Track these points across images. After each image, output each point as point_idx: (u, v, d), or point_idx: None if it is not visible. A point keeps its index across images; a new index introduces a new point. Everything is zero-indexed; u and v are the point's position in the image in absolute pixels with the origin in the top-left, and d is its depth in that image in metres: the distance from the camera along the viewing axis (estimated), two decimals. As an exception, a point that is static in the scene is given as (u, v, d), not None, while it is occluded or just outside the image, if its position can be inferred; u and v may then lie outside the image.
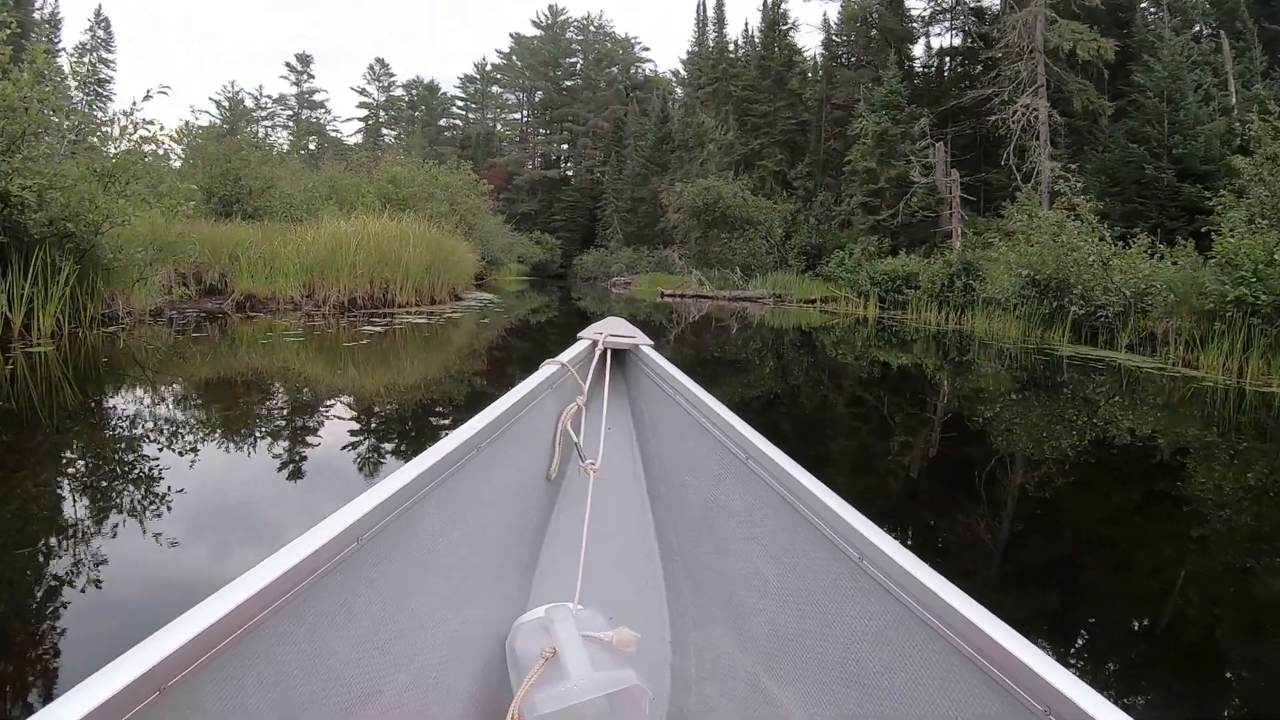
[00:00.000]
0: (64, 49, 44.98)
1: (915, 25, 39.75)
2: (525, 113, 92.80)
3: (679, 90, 70.15)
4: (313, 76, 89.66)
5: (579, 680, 1.52)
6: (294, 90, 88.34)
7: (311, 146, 79.50)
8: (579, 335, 2.59)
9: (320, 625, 1.30)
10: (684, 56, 69.77)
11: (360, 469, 4.91)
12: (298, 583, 1.22)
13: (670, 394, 2.35)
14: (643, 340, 2.59)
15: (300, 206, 20.58)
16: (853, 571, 1.51)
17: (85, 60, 55.43)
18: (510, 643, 1.78)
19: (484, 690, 1.73)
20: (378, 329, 12.70)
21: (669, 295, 31.21)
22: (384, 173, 27.73)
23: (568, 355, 2.41)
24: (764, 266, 32.02)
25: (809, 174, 38.34)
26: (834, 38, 42.90)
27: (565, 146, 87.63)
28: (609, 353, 2.56)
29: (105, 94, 55.86)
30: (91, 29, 57.36)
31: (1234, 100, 26.63)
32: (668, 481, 2.34)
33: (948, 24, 39.07)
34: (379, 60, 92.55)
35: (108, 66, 57.19)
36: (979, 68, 35.39)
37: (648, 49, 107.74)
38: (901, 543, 1.43)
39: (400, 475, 1.54)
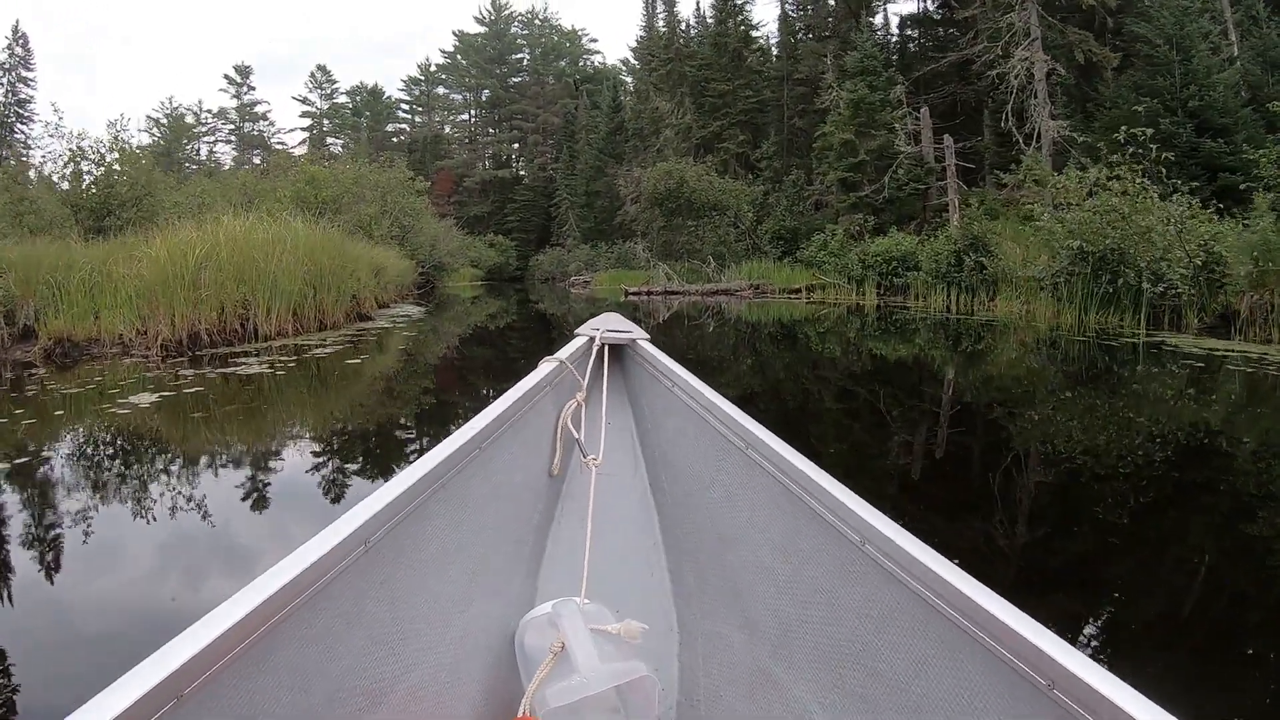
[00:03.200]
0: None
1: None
2: (473, 112, 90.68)
3: (629, 80, 68.33)
4: (253, 88, 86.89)
5: (588, 673, 1.53)
6: (234, 103, 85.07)
7: (257, 160, 76.39)
8: (576, 331, 2.56)
9: (332, 628, 1.29)
10: (633, 45, 67.49)
11: None
12: (308, 587, 1.21)
13: (669, 387, 2.34)
14: (640, 335, 2.58)
15: (194, 216, 16.08)
16: (856, 556, 1.51)
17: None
18: (519, 639, 1.78)
19: (495, 687, 1.72)
20: (172, 390, 7.54)
21: (634, 293, 27.63)
22: (301, 173, 24.20)
23: (565, 352, 2.39)
24: (736, 255, 28.84)
25: (775, 153, 35.50)
26: (789, 11, 40.61)
27: (516, 145, 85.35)
28: (606, 348, 2.54)
29: (25, 114, 53.31)
30: (10, 46, 54.29)
31: (1235, 50, 24.42)
32: (669, 474, 2.32)
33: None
34: (320, 67, 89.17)
35: (28, 85, 55.04)
36: (949, 30, 33.39)
37: (595, 40, 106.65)
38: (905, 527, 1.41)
39: (404, 478, 1.53)
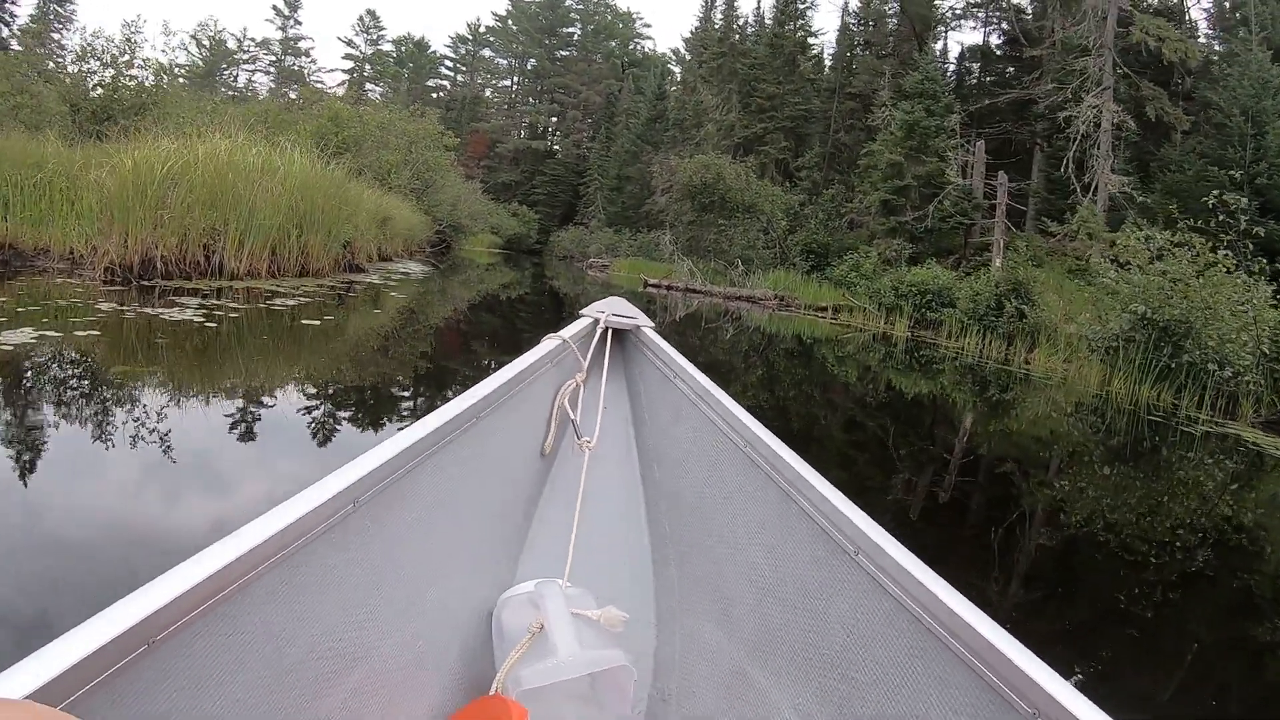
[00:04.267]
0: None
1: (946, 15, 36.47)
2: (516, 79, 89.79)
3: (676, 70, 67.15)
4: (299, 23, 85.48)
5: (566, 657, 1.51)
6: (279, 35, 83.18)
7: (293, 95, 75.64)
8: (581, 312, 2.55)
9: (310, 587, 1.26)
10: (686, 35, 66.52)
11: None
12: (290, 543, 1.19)
13: (669, 376, 2.33)
14: (644, 322, 2.57)
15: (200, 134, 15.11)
16: (847, 565, 1.48)
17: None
18: (497, 615, 1.76)
19: (469, 661, 1.69)
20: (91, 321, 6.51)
21: (654, 285, 26.51)
22: (326, 109, 23.14)
23: (569, 331, 2.37)
24: (763, 262, 27.65)
25: (816, 165, 34.51)
26: (851, 24, 39.62)
27: (554, 119, 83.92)
28: (610, 332, 2.54)
29: (65, 14, 52.29)
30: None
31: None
32: (662, 464, 2.30)
33: (981, 19, 36.19)
34: (369, 11, 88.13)
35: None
36: (1010, 69, 32.51)
37: (649, 26, 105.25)
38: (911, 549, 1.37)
39: (397, 441, 1.49)
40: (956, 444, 7.64)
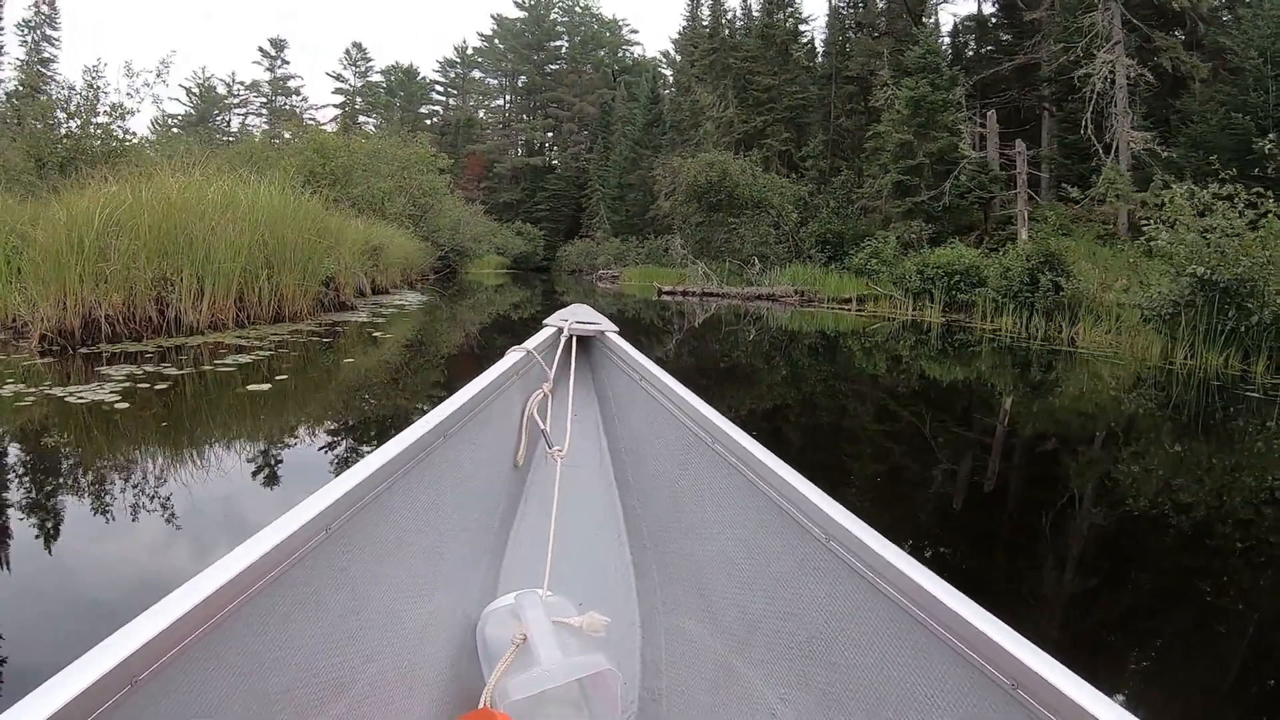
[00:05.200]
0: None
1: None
2: (508, 98, 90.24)
3: (668, 74, 66.55)
4: (287, 62, 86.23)
5: (550, 665, 1.50)
6: (268, 76, 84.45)
7: (287, 135, 75.67)
8: (544, 322, 2.56)
9: (291, 615, 1.26)
10: (675, 37, 65.79)
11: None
12: (267, 572, 1.18)
13: (636, 380, 2.33)
14: (609, 327, 2.56)
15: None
16: (819, 552, 1.51)
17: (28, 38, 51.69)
18: (480, 630, 1.75)
19: (455, 678, 1.70)
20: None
21: (669, 293, 25.59)
22: (311, 140, 22.43)
23: (533, 342, 2.38)
24: (779, 257, 26.66)
25: (821, 153, 33.64)
26: (840, 8, 38.77)
27: (549, 134, 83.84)
28: (574, 340, 2.53)
29: (48, 73, 52.17)
30: (35, 4, 52.99)
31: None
32: (635, 467, 2.30)
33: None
34: (355, 44, 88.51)
35: (52, 45, 53.81)
36: (1007, 36, 31.60)
37: (635, 31, 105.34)
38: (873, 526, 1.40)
39: (367, 464, 1.49)
40: (1003, 429, 6.98)
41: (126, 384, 6.26)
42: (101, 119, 15.16)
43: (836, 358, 12.19)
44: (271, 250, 10.62)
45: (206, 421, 5.75)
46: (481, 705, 1.47)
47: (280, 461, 4.88)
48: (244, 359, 7.87)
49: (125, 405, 5.60)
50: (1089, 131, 22.36)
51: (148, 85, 16.35)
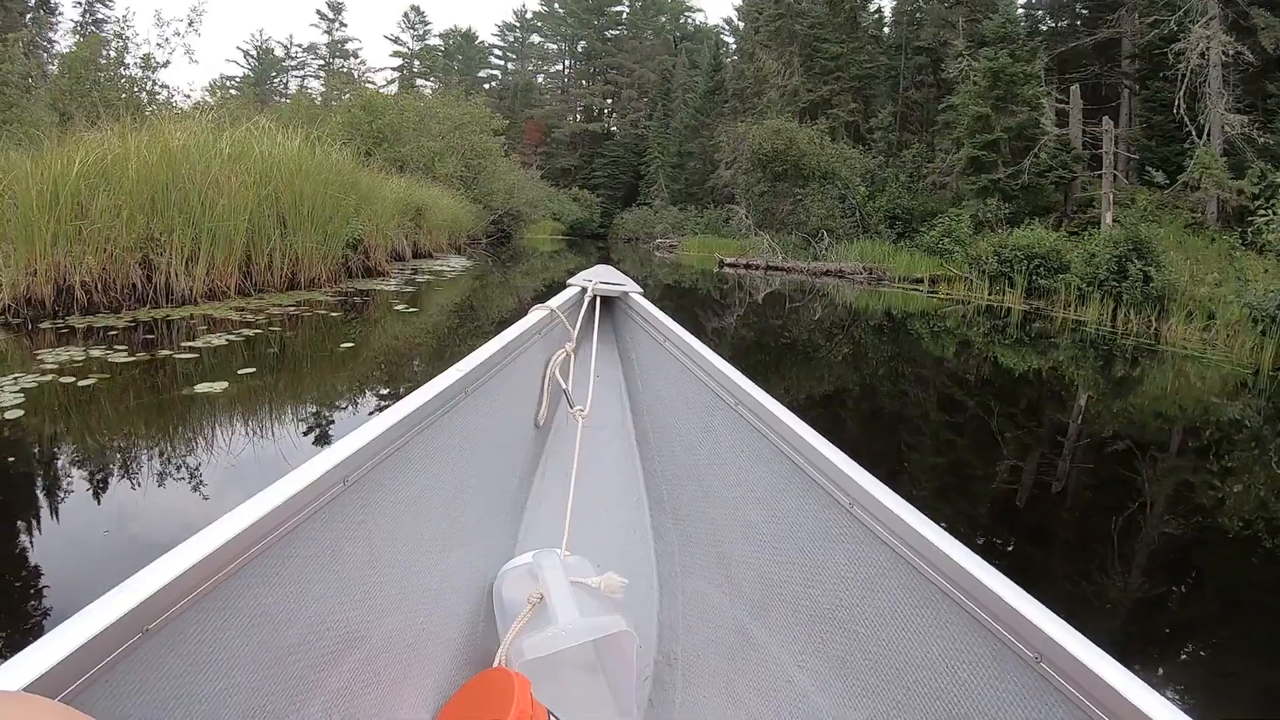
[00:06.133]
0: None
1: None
2: (567, 63, 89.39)
3: (731, 42, 65.65)
4: (345, 25, 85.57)
5: (567, 625, 1.49)
6: (325, 39, 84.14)
7: (346, 98, 75.89)
8: (568, 281, 2.50)
9: (306, 568, 1.25)
10: (738, 4, 64.44)
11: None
12: (283, 523, 1.17)
13: (660, 341, 2.30)
14: (633, 288, 2.51)
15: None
16: (843, 517, 1.48)
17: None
18: (497, 588, 1.74)
19: (471, 635, 1.69)
20: None
21: (730, 264, 24.89)
22: (357, 97, 21.92)
23: (557, 301, 2.35)
24: (846, 231, 25.64)
25: (890, 125, 32.59)
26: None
27: (608, 100, 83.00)
28: (598, 300, 2.48)
29: (102, 35, 51.90)
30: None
31: None
32: (656, 429, 2.28)
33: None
34: (414, 7, 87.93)
35: (105, 5, 53.28)
36: (1084, 8, 30.27)
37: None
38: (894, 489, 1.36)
39: (387, 416, 1.47)
40: (1087, 431, 6.27)
41: (53, 374, 5.08)
42: (133, 71, 14.78)
43: (906, 341, 11.52)
44: (286, 207, 9.59)
45: (90, 456, 4.01)
46: (496, 663, 1.49)
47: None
48: (219, 340, 6.59)
49: (18, 414, 4.33)
50: (1180, 111, 21.14)
51: (178, 34, 15.71)
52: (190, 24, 15.53)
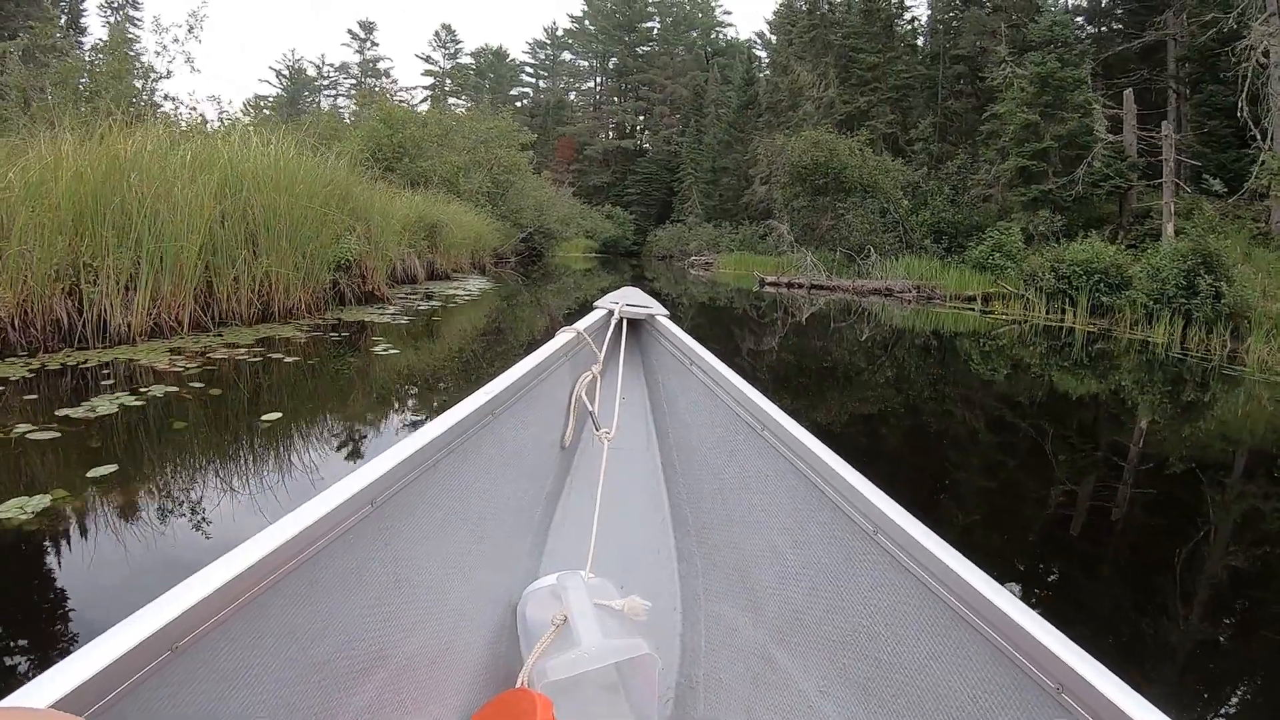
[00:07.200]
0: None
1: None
2: (598, 80, 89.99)
3: (763, 56, 65.14)
4: (376, 44, 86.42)
5: (590, 647, 1.47)
6: (357, 58, 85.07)
7: (367, 112, 76.82)
8: (595, 304, 2.52)
9: (333, 588, 1.26)
10: (769, 17, 64.10)
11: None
12: (310, 544, 1.18)
13: (686, 364, 2.29)
14: (659, 310, 2.52)
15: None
16: (866, 544, 1.47)
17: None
18: (521, 609, 1.74)
19: (494, 656, 1.70)
20: None
21: (772, 283, 24.01)
22: (377, 110, 21.38)
23: (584, 324, 2.34)
24: (891, 247, 24.64)
25: (930, 136, 31.71)
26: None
27: (641, 116, 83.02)
28: (625, 322, 2.50)
29: (130, 53, 52.19)
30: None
31: None
32: (681, 452, 2.26)
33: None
34: (445, 26, 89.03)
35: (134, 25, 53.56)
36: (1123, 8, 29.29)
37: (729, 13, 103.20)
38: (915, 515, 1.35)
39: (414, 440, 1.48)
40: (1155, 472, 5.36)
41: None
42: (136, 83, 14.26)
43: (957, 364, 10.64)
44: (258, 225, 8.34)
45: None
46: (519, 684, 1.46)
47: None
48: (107, 407, 4.66)
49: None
50: (1243, 114, 20.09)
51: (177, 41, 14.99)
52: (190, 30, 14.79)
